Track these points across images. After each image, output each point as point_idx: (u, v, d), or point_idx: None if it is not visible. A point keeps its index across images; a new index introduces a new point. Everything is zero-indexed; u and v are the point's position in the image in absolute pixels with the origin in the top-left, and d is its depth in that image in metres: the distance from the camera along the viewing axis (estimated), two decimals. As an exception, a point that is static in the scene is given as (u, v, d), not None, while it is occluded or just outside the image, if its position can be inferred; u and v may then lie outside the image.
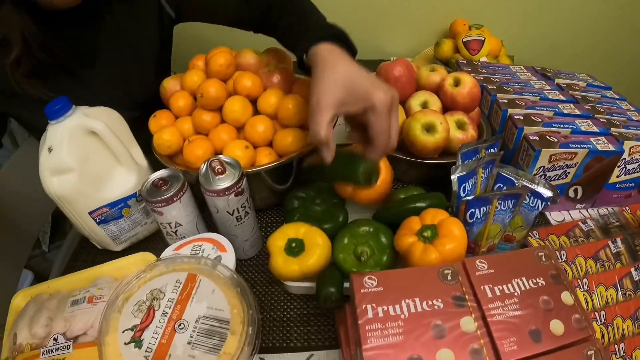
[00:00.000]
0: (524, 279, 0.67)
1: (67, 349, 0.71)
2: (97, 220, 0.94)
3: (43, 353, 0.70)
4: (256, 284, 0.95)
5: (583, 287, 0.82)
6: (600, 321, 0.78)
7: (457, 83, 1.08)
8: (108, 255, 1.01)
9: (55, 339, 0.72)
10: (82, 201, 0.90)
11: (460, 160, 0.90)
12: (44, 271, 1.96)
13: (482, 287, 0.65)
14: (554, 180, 1.00)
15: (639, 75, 2.27)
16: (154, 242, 1.05)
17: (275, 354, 0.83)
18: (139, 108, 1.12)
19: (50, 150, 0.84)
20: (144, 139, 1.02)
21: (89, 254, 1.04)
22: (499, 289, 0.65)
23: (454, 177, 0.85)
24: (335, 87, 0.76)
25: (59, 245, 2.05)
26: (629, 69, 2.23)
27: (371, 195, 0.92)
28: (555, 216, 1.08)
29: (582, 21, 2.00)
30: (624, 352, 0.75)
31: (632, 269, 0.86)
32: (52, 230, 2.10)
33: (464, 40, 1.59)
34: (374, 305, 0.63)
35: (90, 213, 0.92)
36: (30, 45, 0.90)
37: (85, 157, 0.87)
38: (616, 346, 0.75)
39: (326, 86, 0.77)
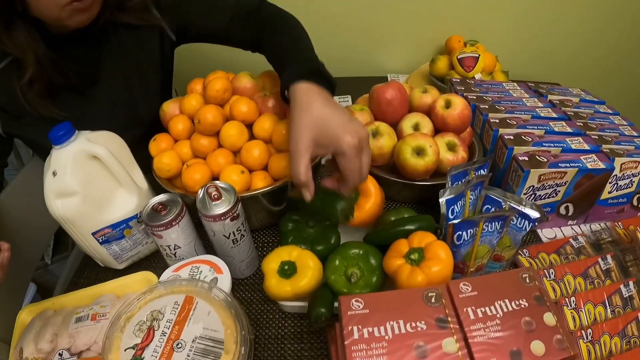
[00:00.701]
0: (507, 300, 0.68)
1: None
2: (100, 241, 0.96)
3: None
4: (252, 302, 0.97)
5: (571, 306, 0.84)
6: (587, 339, 0.79)
7: (448, 105, 1.09)
8: (111, 273, 1.03)
9: (60, 354, 0.77)
10: (86, 222, 0.93)
11: (449, 183, 0.92)
12: (47, 283, 1.98)
13: (464, 309, 0.66)
14: (544, 198, 1.01)
15: (637, 94, 2.26)
16: (155, 260, 1.08)
17: None
18: (143, 127, 1.16)
19: (54, 174, 0.87)
20: (146, 157, 1.05)
21: (92, 272, 1.06)
22: (481, 310, 0.67)
23: (442, 200, 0.87)
24: (307, 133, 0.80)
25: (61, 257, 2.07)
26: (627, 87, 2.23)
27: (363, 217, 0.94)
28: (546, 233, 1.09)
29: (580, 38, 2.00)
30: (611, 370, 0.76)
31: (622, 286, 0.86)
32: (55, 243, 2.11)
33: (458, 57, 1.61)
34: (359, 326, 0.65)
35: (94, 234, 0.95)
36: (42, 65, 0.93)
37: (88, 180, 0.90)
38: (603, 363, 0.76)
39: (300, 132, 0.80)
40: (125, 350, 0.68)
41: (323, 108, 0.81)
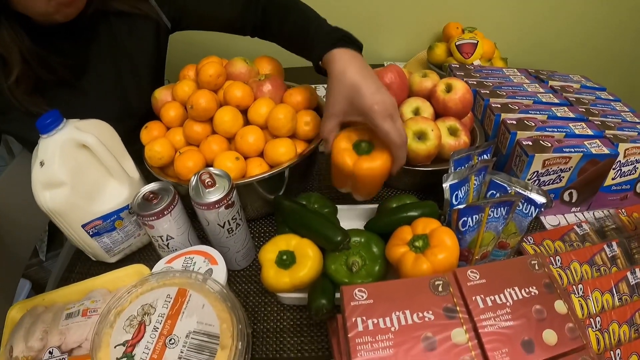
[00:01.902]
0: (516, 288, 0.66)
1: None
2: (90, 233, 0.94)
3: (38, 366, 0.71)
4: (249, 294, 0.94)
5: (578, 293, 0.82)
6: (596, 327, 0.77)
7: (449, 89, 1.06)
8: (103, 266, 1.00)
9: (50, 352, 0.73)
10: (75, 214, 0.90)
11: (452, 168, 0.89)
12: (42, 280, 1.96)
13: (473, 298, 0.64)
14: (548, 184, 0.99)
15: (637, 83, 2.25)
16: (148, 253, 1.05)
17: None
18: (136, 118, 1.12)
19: (42, 164, 0.84)
20: (140, 149, 1.03)
21: (83, 266, 1.03)
22: (490, 299, 0.64)
23: (445, 185, 0.84)
24: (340, 100, 0.86)
25: (56, 254, 2.05)
26: (628, 77, 2.22)
27: (374, 170, 0.87)
28: (550, 220, 1.07)
29: (579, 25, 1.99)
30: (620, 359, 0.74)
31: (628, 273, 0.85)
32: (50, 239, 2.09)
33: (456, 43, 1.59)
34: (364, 318, 0.62)
35: (83, 226, 0.92)
36: (29, 63, 0.91)
37: (76, 170, 0.87)
38: (612, 352, 0.74)
39: (333, 98, 0.87)
40: (115, 347, 0.65)
41: (356, 76, 0.84)
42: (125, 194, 0.95)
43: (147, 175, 1.01)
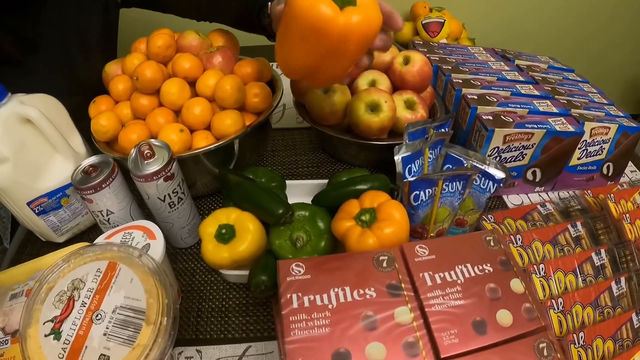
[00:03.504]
0: (469, 265, 0.62)
1: (6, 344, 0.70)
2: (36, 211, 0.91)
3: (-18, 348, 0.69)
4: (195, 273, 0.91)
5: (540, 273, 0.77)
6: (558, 309, 0.73)
7: (406, 61, 1.02)
8: (53, 247, 0.96)
9: None
10: (20, 192, 0.88)
11: (406, 140, 0.84)
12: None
13: (420, 275, 0.60)
14: (511, 161, 0.96)
15: (605, 67, 2.26)
16: (97, 232, 0.99)
17: (213, 345, 0.79)
18: (87, 93, 1.07)
19: None
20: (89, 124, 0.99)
21: (34, 247, 1.01)
22: (440, 276, 0.60)
23: (397, 158, 0.79)
24: None
25: (20, 241, 2.00)
26: (597, 61, 2.23)
27: (367, 24, 0.66)
28: (513, 199, 1.04)
29: (549, 10, 1.98)
30: (583, 342, 0.70)
31: (593, 254, 0.81)
32: (13, 225, 2.04)
33: (423, 22, 1.55)
34: (299, 294, 0.58)
35: (29, 204, 0.89)
36: None
37: (20, 146, 0.84)
38: (575, 335, 0.70)
39: None
40: (44, 323, 0.62)
41: None
42: (71, 170, 0.90)
43: (96, 152, 0.97)
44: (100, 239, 0.78)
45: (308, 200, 0.89)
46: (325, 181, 0.95)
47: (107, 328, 0.61)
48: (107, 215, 0.85)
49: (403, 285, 0.59)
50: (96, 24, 1.14)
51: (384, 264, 0.61)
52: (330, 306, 0.56)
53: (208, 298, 0.86)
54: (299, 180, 0.99)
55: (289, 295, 0.58)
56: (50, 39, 1.05)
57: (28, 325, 0.62)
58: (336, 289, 0.58)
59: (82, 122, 0.97)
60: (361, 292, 0.58)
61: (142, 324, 0.61)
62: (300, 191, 0.96)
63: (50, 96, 0.91)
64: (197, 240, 0.96)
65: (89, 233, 1.02)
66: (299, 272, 0.59)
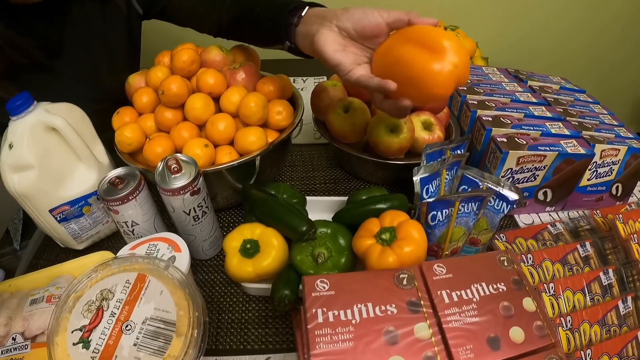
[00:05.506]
0: (483, 284, 0.65)
1: (25, 349, 0.70)
2: (58, 219, 0.92)
3: (1, 352, 0.70)
4: (215, 284, 0.93)
5: (549, 292, 0.80)
6: (566, 327, 0.75)
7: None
8: (71, 253, 0.98)
9: (13, 339, 0.72)
10: (43, 199, 0.88)
11: (424, 161, 0.87)
12: (15, 269, 1.92)
13: (439, 292, 0.63)
14: (523, 182, 0.98)
15: (616, 86, 2.26)
16: (116, 241, 1.03)
17: (232, 356, 0.80)
18: (110, 103, 1.09)
19: (10, 146, 0.82)
20: (114, 135, 1.00)
21: (52, 253, 1.02)
22: (456, 294, 0.63)
23: (416, 179, 0.82)
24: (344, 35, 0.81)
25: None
26: (608, 80, 2.23)
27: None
28: (524, 219, 1.06)
29: (561, 29, 2.00)
30: (590, 359, 0.72)
31: (601, 273, 0.84)
32: (24, 228, 2.05)
33: (437, 41, 1.57)
34: (324, 309, 0.60)
35: (51, 211, 0.90)
36: (1, 47, 0.89)
37: (45, 153, 0.85)
38: (583, 352, 0.72)
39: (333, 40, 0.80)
40: (72, 332, 0.63)
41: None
42: (94, 180, 0.93)
43: (118, 162, 0.99)
44: (125, 250, 0.79)
45: (327, 216, 0.92)
46: (344, 198, 0.97)
47: (137, 338, 0.62)
48: (132, 226, 0.86)
49: (422, 302, 0.61)
50: (120, 33, 1.16)
51: (404, 282, 0.63)
52: (353, 321, 0.59)
53: (228, 309, 0.88)
54: (319, 197, 1.01)
55: (314, 310, 0.60)
56: (75, 45, 1.06)
57: (56, 333, 0.63)
58: (359, 305, 0.60)
59: (106, 131, 0.98)
60: (383, 308, 0.60)
61: (173, 335, 0.62)
62: (319, 207, 0.98)
63: (75, 105, 0.92)
64: (217, 252, 0.98)
65: (109, 241, 1.03)
66: (324, 287, 0.62)
